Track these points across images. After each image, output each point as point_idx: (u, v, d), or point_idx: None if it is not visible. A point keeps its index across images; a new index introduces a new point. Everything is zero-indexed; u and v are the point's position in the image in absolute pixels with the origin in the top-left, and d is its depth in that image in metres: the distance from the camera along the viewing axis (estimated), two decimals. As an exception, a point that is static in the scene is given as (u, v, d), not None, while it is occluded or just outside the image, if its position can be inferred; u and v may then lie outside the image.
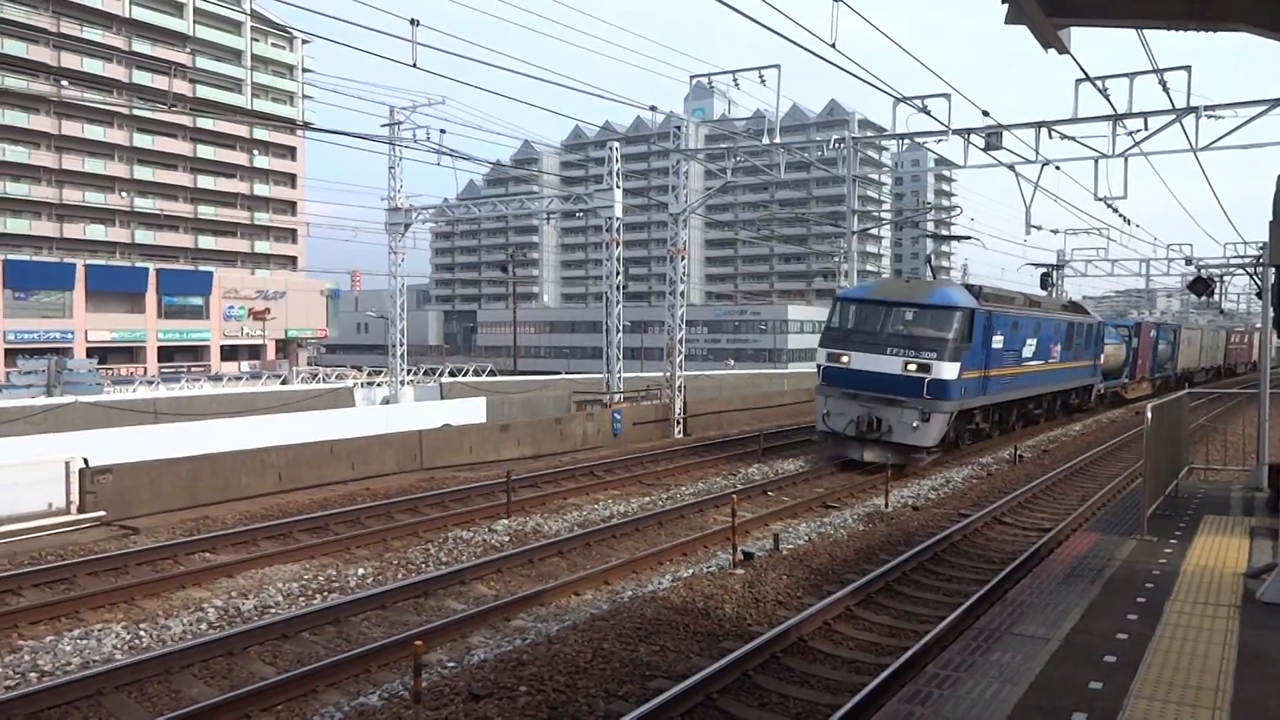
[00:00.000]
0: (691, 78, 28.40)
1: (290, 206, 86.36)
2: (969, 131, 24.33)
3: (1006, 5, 5.50)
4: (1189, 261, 48.63)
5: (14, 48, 64.72)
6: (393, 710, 7.43)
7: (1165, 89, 20.29)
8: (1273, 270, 13.22)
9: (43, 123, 68.54)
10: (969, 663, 6.36)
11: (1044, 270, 45.66)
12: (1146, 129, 22.45)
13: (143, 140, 74.43)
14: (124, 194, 73.95)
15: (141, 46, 72.49)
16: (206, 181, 78.94)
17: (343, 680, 8.28)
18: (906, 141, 27.42)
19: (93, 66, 69.19)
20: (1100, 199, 25.59)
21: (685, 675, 8.07)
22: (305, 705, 7.83)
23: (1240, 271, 48.82)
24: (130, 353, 70.17)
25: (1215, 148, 22.02)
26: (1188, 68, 20.61)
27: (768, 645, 8.69)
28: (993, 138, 24.20)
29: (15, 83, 63.69)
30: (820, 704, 7.79)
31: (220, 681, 8.38)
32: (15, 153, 67.41)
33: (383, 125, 35.08)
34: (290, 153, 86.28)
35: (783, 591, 10.95)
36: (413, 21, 18.48)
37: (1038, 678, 6.08)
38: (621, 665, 8.45)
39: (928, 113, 23.90)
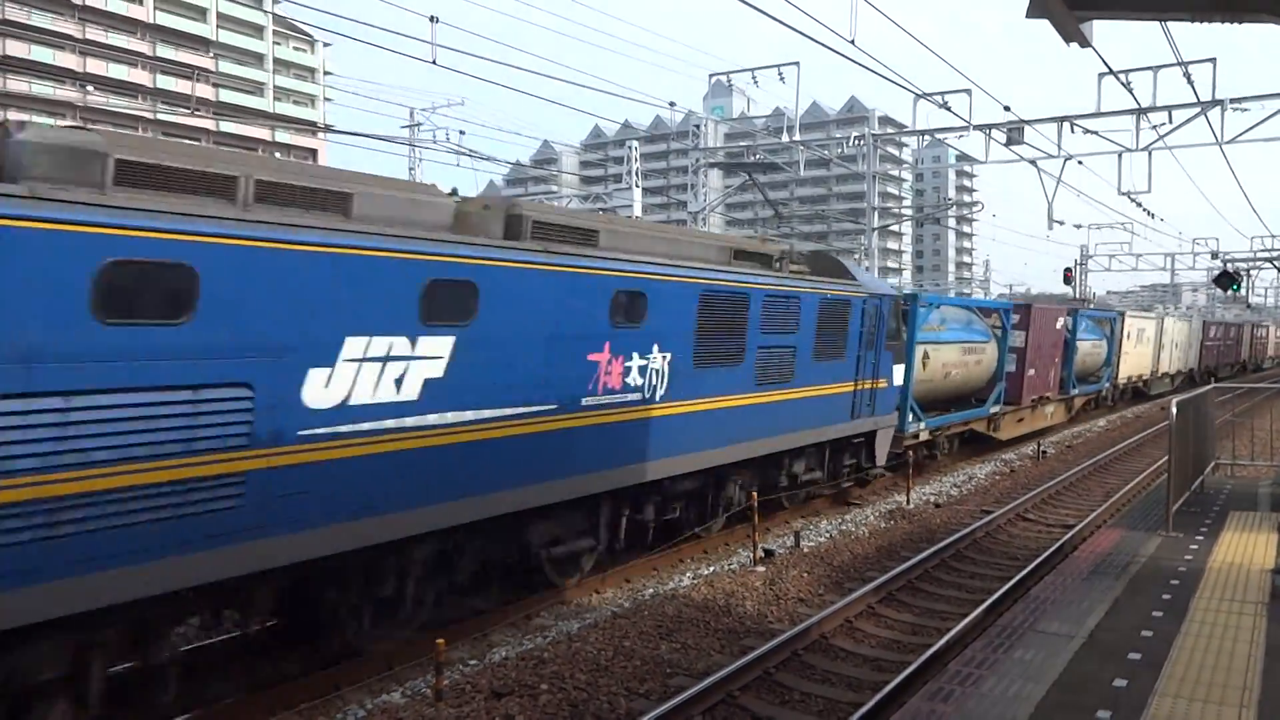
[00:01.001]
0: (710, 76, 28.43)
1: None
2: (990, 127, 24.19)
3: (1027, -1, 5.46)
4: (1215, 256, 48.11)
5: (41, 54, 65.57)
6: (415, 708, 7.46)
7: (1190, 82, 20.10)
8: None
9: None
10: (992, 660, 6.32)
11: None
12: (1171, 122, 22.30)
13: (167, 144, 75.15)
14: (149, 197, 74.70)
15: (165, 51, 73.25)
16: (230, 184, 79.59)
17: (366, 677, 8.33)
18: (927, 138, 27.27)
19: (117, 72, 69.98)
20: (1124, 193, 25.38)
21: (706, 673, 8.07)
22: (329, 702, 7.89)
23: (1268, 265, 48.20)
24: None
25: (1241, 140, 21.84)
26: (1213, 60, 20.44)
27: (789, 643, 8.68)
28: (1014, 133, 24.07)
29: (42, 88, 64.51)
30: (842, 701, 7.77)
31: (244, 678, 8.44)
32: (42, 158, 68.23)
33: (403, 126, 35.34)
34: (312, 155, 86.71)
35: (804, 589, 10.93)
36: (432, 19, 18.56)
37: (1061, 675, 6.04)
38: (642, 663, 8.46)
39: (948, 108, 23.81)
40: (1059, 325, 25.65)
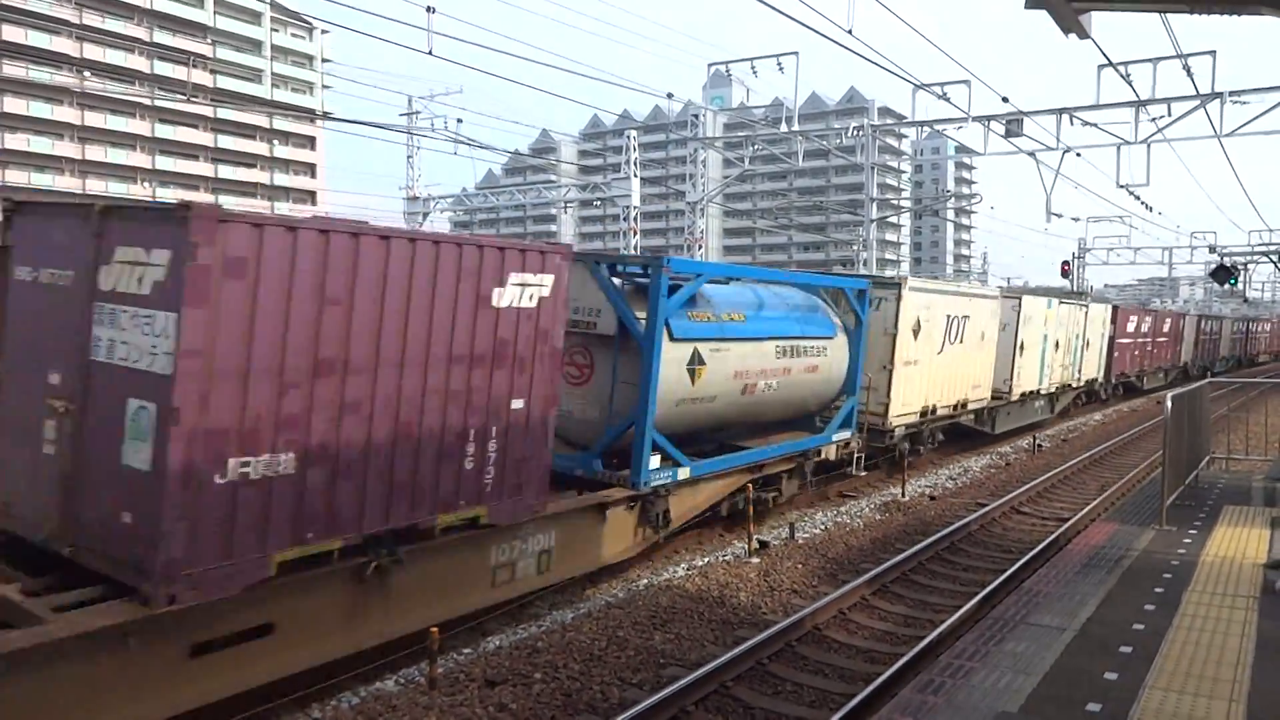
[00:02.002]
0: (710, 66, 28.40)
1: (310, 196, 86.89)
2: (989, 118, 24.15)
3: (1025, -11, 5.44)
4: (1213, 249, 48.07)
5: (38, 39, 65.27)
6: (409, 695, 7.48)
7: (1189, 74, 20.09)
8: None
9: (66, 114, 69.15)
10: (983, 652, 6.33)
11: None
12: (1170, 115, 22.28)
13: (164, 131, 74.98)
14: (146, 184, 74.59)
15: (163, 38, 72.97)
16: (227, 171, 79.50)
17: (360, 665, 8.33)
18: (926, 129, 27.24)
19: (115, 58, 69.70)
20: (1122, 186, 25.37)
21: (700, 663, 8.09)
22: (323, 690, 7.89)
23: (1265, 259, 48.18)
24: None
25: (1240, 134, 21.80)
26: (1212, 52, 20.45)
27: (782, 634, 8.70)
28: (1013, 124, 24.03)
29: (39, 75, 64.25)
30: (834, 693, 7.79)
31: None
32: (39, 143, 68.06)
33: (401, 115, 35.23)
34: (310, 142, 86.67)
35: (798, 580, 10.95)
36: (429, 9, 18.52)
37: (1052, 668, 6.05)
38: (636, 653, 8.48)
39: (948, 100, 23.78)
40: (511, 302, 8.45)
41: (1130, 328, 33.17)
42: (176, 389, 6.03)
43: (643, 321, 10.53)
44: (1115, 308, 31.80)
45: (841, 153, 41.76)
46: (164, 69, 72.38)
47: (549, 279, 8.68)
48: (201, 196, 77.67)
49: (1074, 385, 27.50)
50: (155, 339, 6.15)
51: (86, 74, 65.94)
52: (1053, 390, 25.51)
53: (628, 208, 29.45)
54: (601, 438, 10.76)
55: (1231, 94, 21.21)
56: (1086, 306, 28.03)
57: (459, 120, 33.16)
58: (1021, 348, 22.15)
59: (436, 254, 7.61)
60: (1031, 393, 23.75)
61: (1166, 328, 39.21)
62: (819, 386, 14.29)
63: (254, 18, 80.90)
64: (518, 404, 8.50)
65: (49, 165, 69.02)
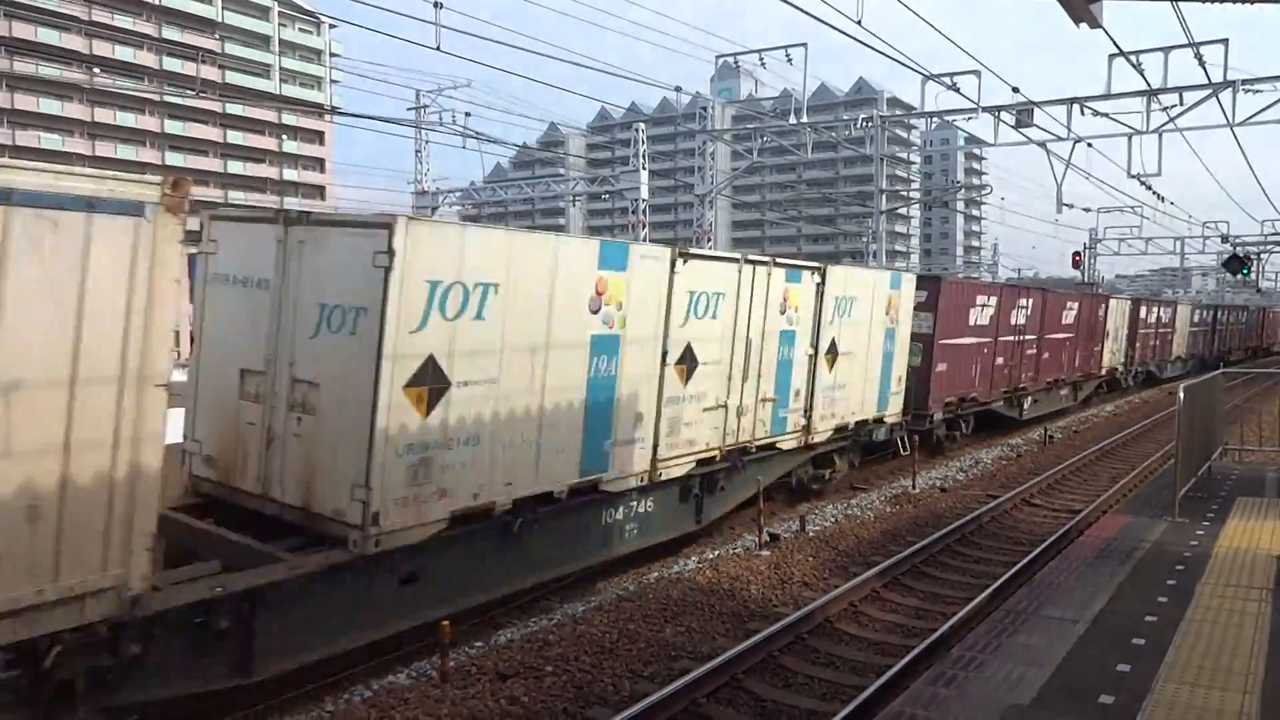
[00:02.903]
0: (718, 58, 28.30)
1: (319, 191, 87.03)
2: (999, 109, 24.01)
3: (1036, -21, 5.41)
4: (1225, 239, 47.72)
5: (47, 35, 65.53)
6: (421, 689, 7.51)
7: (1202, 63, 19.91)
8: None
9: (76, 110, 69.40)
10: (995, 645, 6.32)
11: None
12: (1182, 104, 22.09)
13: (174, 126, 75.19)
14: (156, 180, 74.80)
15: (171, 33, 73.14)
16: (236, 167, 79.71)
17: (372, 659, 8.37)
18: (936, 120, 27.10)
19: (124, 54, 69.92)
20: (1134, 176, 25.21)
21: (710, 656, 8.09)
22: (336, 683, 7.93)
23: (1279, 249, 47.81)
24: (164, 337, 71.16)
25: (1253, 123, 21.63)
26: (1225, 41, 20.22)
27: (793, 626, 8.70)
28: (1024, 115, 23.89)
29: (49, 71, 64.50)
30: (845, 685, 7.79)
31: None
32: (50, 140, 68.36)
33: (409, 109, 35.26)
34: (318, 137, 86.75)
35: (809, 573, 10.94)
36: (436, 5, 18.52)
37: (1064, 660, 6.04)
38: (647, 646, 8.49)
39: (957, 90, 23.63)
40: None
41: (980, 318, 19.17)
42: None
43: None
44: (937, 279, 18.60)
45: (850, 144, 41.62)
46: (173, 64, 72.54)
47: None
48: (211, 192, 77.91)
49: (790, 443, 13.16)
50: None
51: (96, 70, 66.16)
52: (693, 467, 11.18)
53: (636, 200, 29.42)
54: None
55: (1244, 82, 21.03)
56: (819, 272, 13.30)
57: (467, 114, 33.22)
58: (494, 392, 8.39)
59: None
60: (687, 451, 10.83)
61: (1071, 317, 24.96)
62: None
63: (262, 13, 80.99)
64: None
65: (60, 162, 69.33)
